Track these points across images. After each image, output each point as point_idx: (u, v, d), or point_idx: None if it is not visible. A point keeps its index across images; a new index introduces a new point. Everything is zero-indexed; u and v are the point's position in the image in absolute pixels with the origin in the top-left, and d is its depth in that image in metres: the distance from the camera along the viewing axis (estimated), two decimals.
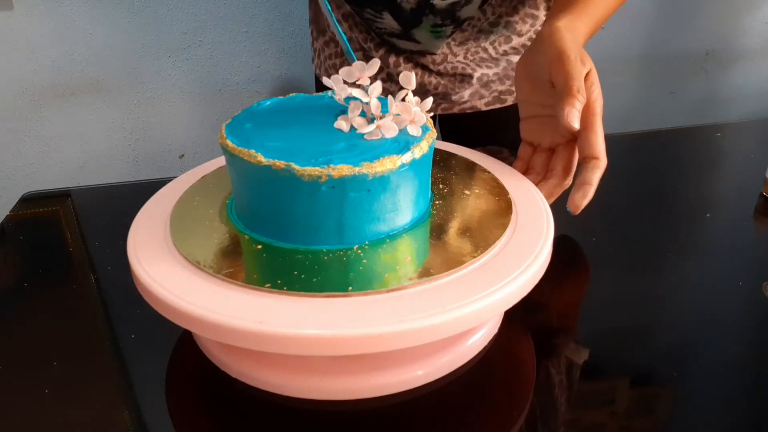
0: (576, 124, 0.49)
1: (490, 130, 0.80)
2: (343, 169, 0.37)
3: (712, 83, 1.56)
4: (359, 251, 0.39)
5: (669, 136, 0.85)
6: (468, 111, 0.79)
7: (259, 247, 0.40)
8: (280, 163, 0.37)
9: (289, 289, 0.36)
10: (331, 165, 0.37)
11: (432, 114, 0.50)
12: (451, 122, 0.88)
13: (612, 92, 1.53)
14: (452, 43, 0.74)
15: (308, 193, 0.38)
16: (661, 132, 0.87)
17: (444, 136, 0.91)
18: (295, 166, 0.37)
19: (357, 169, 0.37)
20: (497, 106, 0.79)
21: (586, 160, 0.50)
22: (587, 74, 0.51)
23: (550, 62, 0.51)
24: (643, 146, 0.82)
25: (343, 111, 0.44)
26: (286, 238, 0.40)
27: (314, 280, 0.37)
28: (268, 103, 0.47)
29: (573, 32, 0.53)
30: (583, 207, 0.49)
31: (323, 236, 0.40)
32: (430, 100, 0.43)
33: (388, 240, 0.41)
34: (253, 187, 0.40)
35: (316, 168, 0.37)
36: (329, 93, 0.48)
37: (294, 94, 0.49)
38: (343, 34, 0.52)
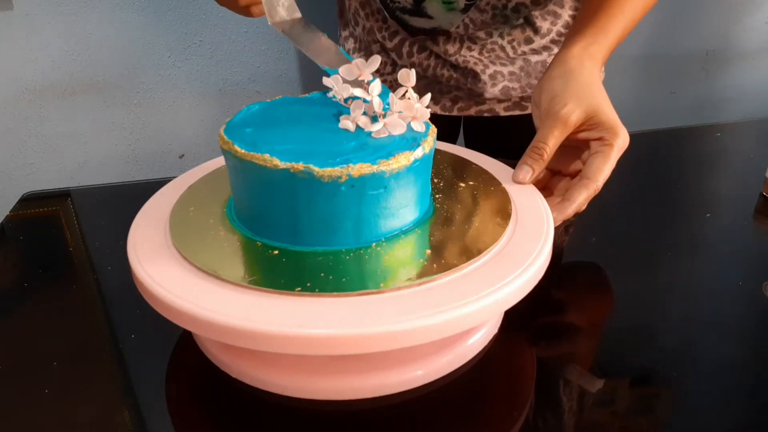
0: (524, 180, 0.49)
1: (511, 138, 0.80)
2: (362, 168, 0.37)
3: (712, 83, 1.56)
4: (378, 248, 0.40)
5: (669, 136, 0.85)
6: (486, 115, 0.78)
7: (276, 252, 0.40)
8: (299, 166, 0.37)
9: (321, 291, 0.36)
10: (350, 164, 0.37)
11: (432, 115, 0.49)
12: (474, 128, 0.88)
13: (612, 92, 1.53)
14: (471, 26, 0.72)
15: (327, 193, 0.38)
16: (661, 132, 0.87)
17: (467, 141, 0.90)
18: (315, 168, 0.37)
19: (375, 167, 0.38)
20: (517, 112, 0.78)
21: (579, 178, 0.49)
22: (593, 115, 0.49)
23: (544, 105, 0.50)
24: (643, 146, 0.82)
25: (339, 110, 0.44)
26: (300, 241, 0.40)
27: (343, 280, 0.37)
28: (257, 107, 0.46)
29: (581, 64, 0.52)
30: (558, 223, 0.47)
31: (340, 236, 0.40)
32: (428, 96, 0.43)
33: (402, 236, 0.41)
34: (265, 192, 0.40)
35: (336, 168, 0.37)
36: (330, 93, 0.48)
37: (280, 96, 0.49)
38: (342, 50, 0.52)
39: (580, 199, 0.48)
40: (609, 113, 0.50)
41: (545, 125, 0.49)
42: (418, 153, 0.40)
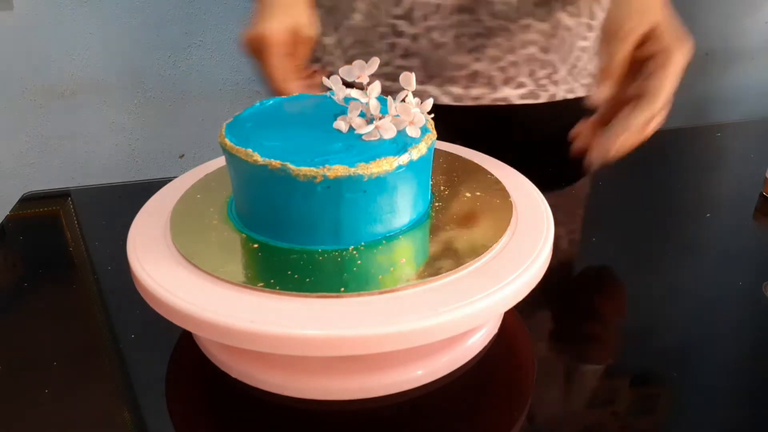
0: (597, 102, 0.47)
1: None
2: (338, 170, 0.37)
3: (712, 83, 1.56)
4: (354, 252, 0.39)
5: (669, 136, 0.85)
6: (501, 104, 0.72)
7: (256, 246, 0.40)
8: (276, 163, 0.37)
9: (282, 288, 0.36)
10: (327, 165, 0.37)
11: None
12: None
13: None
14: None
15: (304, 193, 0.38)
16: (661, 132, 0.87)
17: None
18: (291, 166, 0.37)
19: (352, 169, 0.37)
20: (530, 101, 0.72)
21: (636, 99, 0.45)
22: (653, 29, 0.47)
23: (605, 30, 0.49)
24: (643, 146, 0.82)
25: (344, 111, 0.44)
26: (282, 237, 0.40)
27: (307, 280, 0.37)
28: (271, 102, 0.47)
29: None
30: (599, 161, 0.44)
31: (320, 236, 0.40)
32: (430, 101, 0.43)
33: (384, 241, 0.41)
34: (250, 187, 0.40)
35: (312, 168, 0.37)
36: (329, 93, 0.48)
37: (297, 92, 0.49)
38: None
39: (635, 123, 0.44)
40: (671, 27, 0.48)
41: (607, 45, 0.48)
42: (404, 159, 0.39)
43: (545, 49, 0.70)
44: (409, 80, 0.42)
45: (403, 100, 0.42)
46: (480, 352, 0.43)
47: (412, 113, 0.41)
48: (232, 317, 0.34)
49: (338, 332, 0.33)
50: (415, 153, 0.40)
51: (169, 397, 0.41)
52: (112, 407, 0.41)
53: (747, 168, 0.71)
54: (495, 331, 0.45)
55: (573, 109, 0.76)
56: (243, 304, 0.35)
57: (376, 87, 0.42)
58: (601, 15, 0.72)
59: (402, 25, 0.68)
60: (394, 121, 0.41)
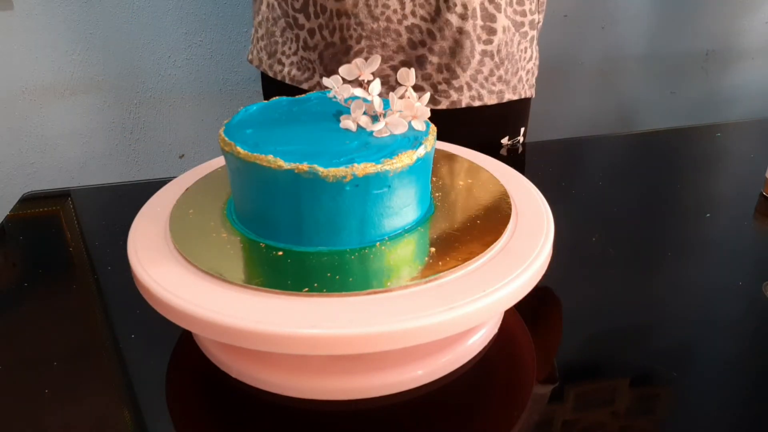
0: None
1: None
2: (367, 168, 0.37)
3: (712, 83, 1.56)
4: (382, 248, 0.40)
5: (669, 136, 0.85)
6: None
7: (280, 253, 0.40)
8: (304, 166, 0.37)
9: (328, 291, 0.36)
10: (354, 164, 0.37)
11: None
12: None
13: (612, 92, 1.53)
14: None
15: (332, 193, 0.38)
16: (661, 132, 0.87)
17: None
18: (320, 168, 0.37)
19: (379, 166, 0.38)
20: (429, 106, 0.72)
21: None
22: None
23: None
24: (643, 146, 0.82)
25: (338, 110, 0.44)
26: (305, 241, 0.40)
27: (350, 279, 0.37)
28: (255, 108, 0.46)
29: None
30: None
31: (345, 237, 0.40)
32: (428, 95, 0.43)
33: (406, 234, 0.41)
34: (268, 193, 0.40)
35: (341, 168, 0.37)
36: (330, 93, 0.48)
37: (276, 97, 0.48)
38: None
39: None
40: None
41: None
42: (421, 152, 0.40)
43: (437, 53, 0.69)
44: (407, 76, 0.42)
45: (402, 97, 0.43)
46: (480, 352, 0.43)
47: (415, 107, 0.42)
48: (232, 317, 0.34)
49: (338, 331, 0.33)
50: (428, 145, 0.41)
51: (169, 397, 0.41)
52: (112, 407, 0.41)
53: (747, 168, 0.71)
54: (495, 331, 0.45)
55: (477, 117, 0.73)
56: (243, 303, 0.35)
57: (377, 85, 0.42)
58: (503, 20, 0.69)
59: (300, 18, 0.70)
60: (401, 116, 0.42)
